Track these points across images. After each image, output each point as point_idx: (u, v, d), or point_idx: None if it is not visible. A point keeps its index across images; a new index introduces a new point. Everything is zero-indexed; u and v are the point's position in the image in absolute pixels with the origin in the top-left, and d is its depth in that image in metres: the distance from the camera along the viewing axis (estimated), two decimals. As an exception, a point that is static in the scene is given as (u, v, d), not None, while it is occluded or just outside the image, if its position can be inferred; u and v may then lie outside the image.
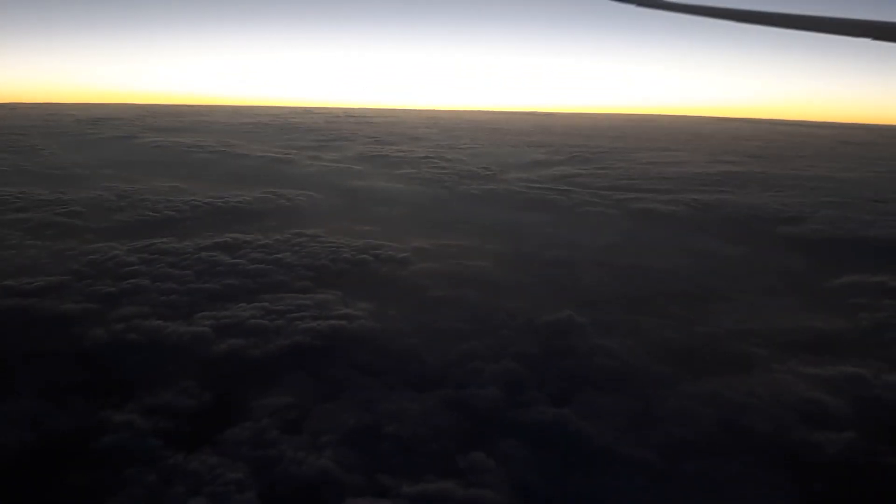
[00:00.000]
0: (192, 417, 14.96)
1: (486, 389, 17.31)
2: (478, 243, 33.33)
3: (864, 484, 13.76)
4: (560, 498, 13.17)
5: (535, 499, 12.97)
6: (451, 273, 27.95)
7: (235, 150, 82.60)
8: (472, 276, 27.60)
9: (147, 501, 11.92)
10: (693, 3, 8.60)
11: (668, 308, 24.56)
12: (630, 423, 16.06)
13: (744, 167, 74.72)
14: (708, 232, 38.54)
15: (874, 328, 22.43)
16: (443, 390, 17.16)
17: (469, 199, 49.76)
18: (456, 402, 16.62)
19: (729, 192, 53.30)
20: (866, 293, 26.00)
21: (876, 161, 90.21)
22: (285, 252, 29.27)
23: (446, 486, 12.67)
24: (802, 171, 72.43)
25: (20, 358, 18.30)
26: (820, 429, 15.37)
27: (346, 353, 19.18)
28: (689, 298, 25.86)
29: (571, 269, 29.65)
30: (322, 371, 17.87)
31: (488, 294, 25.20)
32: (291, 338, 19.50)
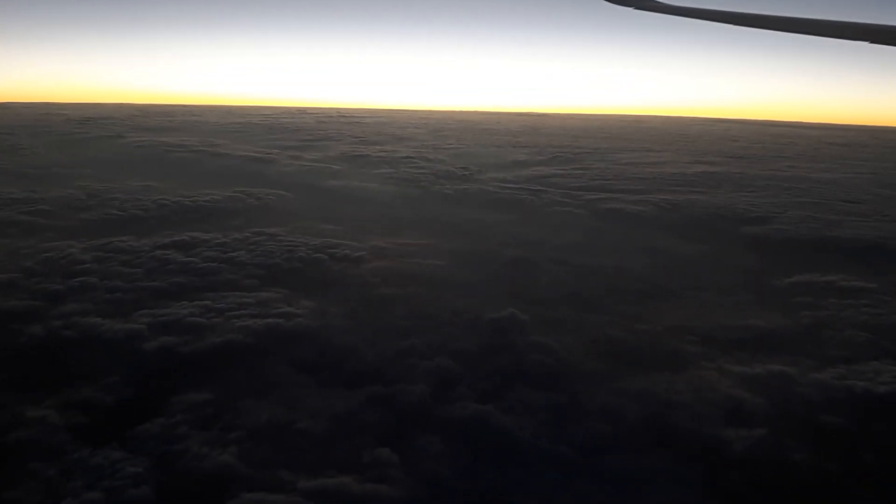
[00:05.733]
0: (108, 413, 15.02)
1: (415, 386, 17.42)
2: (438, 242, 33.46)
3: (766, 478, 13.90)
4: (466, 492, 13.29)
5: (438, 493, 13.07)
6: (404, 272, 28.06)
7: (218, 149, 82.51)
8: (425, 275, 27.72)
9: (44, 495, 11.99)
10: (691, 6, 8.55)
11: (616, 306, 24.72)
12: (553, 419, 16.19)
13: (722, 168, 74.91)
14: (671, 231, 38.70)
15: (813, 326, 22.59)
16: (372, 387, 17.25)
17: (440, 198, 49.85)
18: (382, 398, 16.74)
19: (701, 193, 53.44)
20: (813, 292, 26.19)
21: (859, 162, 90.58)
22: (240, 251, 29.32)
23: (344, 481, 12.76)
24: (780, 171, 72.66)
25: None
26: (733, 426, 15.53)
27: (281, 351, 19.27)
28: (638, 296, 26.03)
29: (527, 267, 29.80)
30: (251, 369, 17.96)
31: (438, 292, 25.32)
32: (224, 335, 19.57)
